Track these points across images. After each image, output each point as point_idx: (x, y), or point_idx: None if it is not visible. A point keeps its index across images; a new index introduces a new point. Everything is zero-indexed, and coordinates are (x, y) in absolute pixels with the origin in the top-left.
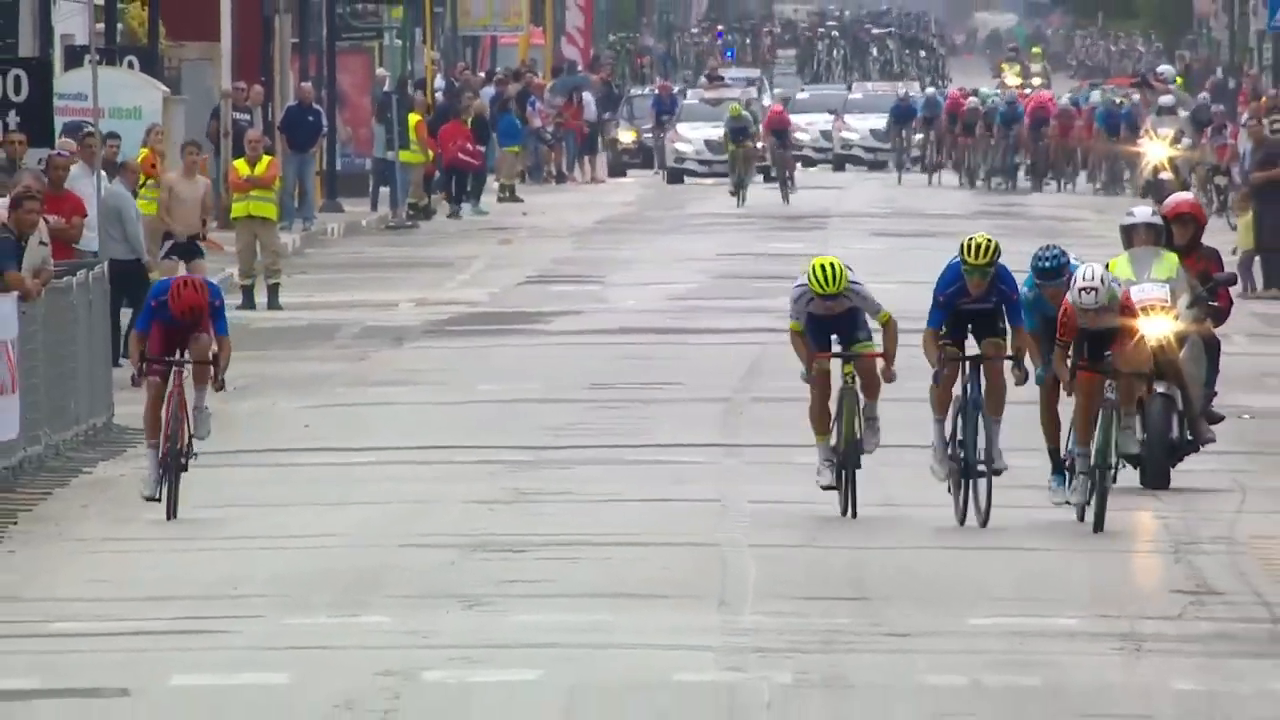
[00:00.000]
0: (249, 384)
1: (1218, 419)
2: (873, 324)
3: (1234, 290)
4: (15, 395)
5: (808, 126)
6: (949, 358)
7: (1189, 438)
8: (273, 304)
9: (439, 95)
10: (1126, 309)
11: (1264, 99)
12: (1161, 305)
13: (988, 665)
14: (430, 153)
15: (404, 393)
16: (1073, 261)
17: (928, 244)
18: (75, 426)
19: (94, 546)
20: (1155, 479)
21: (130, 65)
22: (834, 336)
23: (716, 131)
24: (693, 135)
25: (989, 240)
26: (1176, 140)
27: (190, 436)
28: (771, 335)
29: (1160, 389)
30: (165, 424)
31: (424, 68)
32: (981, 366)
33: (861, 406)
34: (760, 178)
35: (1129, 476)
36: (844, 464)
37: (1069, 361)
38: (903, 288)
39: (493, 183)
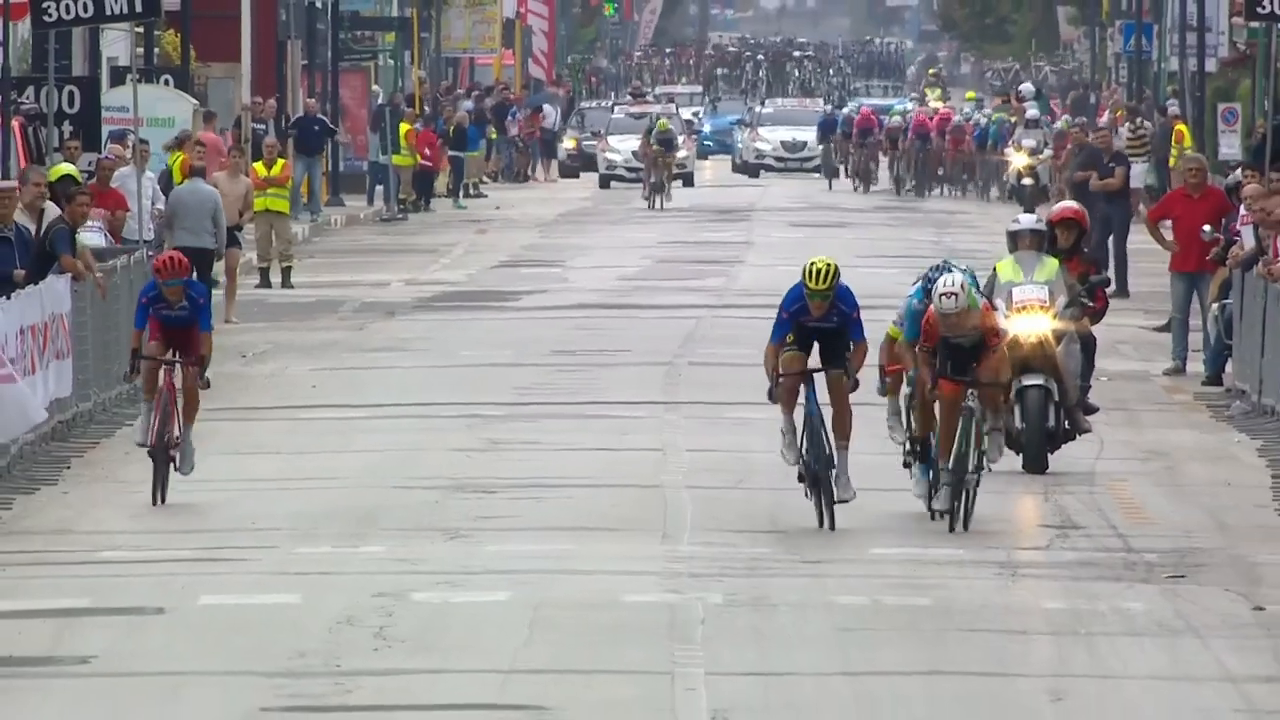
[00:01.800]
0: (266, 350)
1: (1093, 410)
2: None
3: None
4: (69, 360)
5: (769, 136)
6: (786, 371)
7: (1066, 427)
8: (285, 283)
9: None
10: (989, 321)
11: (1119, 111)
12: (1040, 305)
13: (887, 587)
14: (417, 156)
15: (396, 358)
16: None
17: (835, 233)
18: (119, 387)
19: (134, 488)
20: (1034, 464)
21: (165, 82)
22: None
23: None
24: (621, 146)
25: (829, 265)
26: (1037, 150)
27: (178, 439)
28: (705, 310)
29: (1038, 381)
30: (155, 416)
31: (413, 84)
32: (830, 393)
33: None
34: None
35: (1009, 461)
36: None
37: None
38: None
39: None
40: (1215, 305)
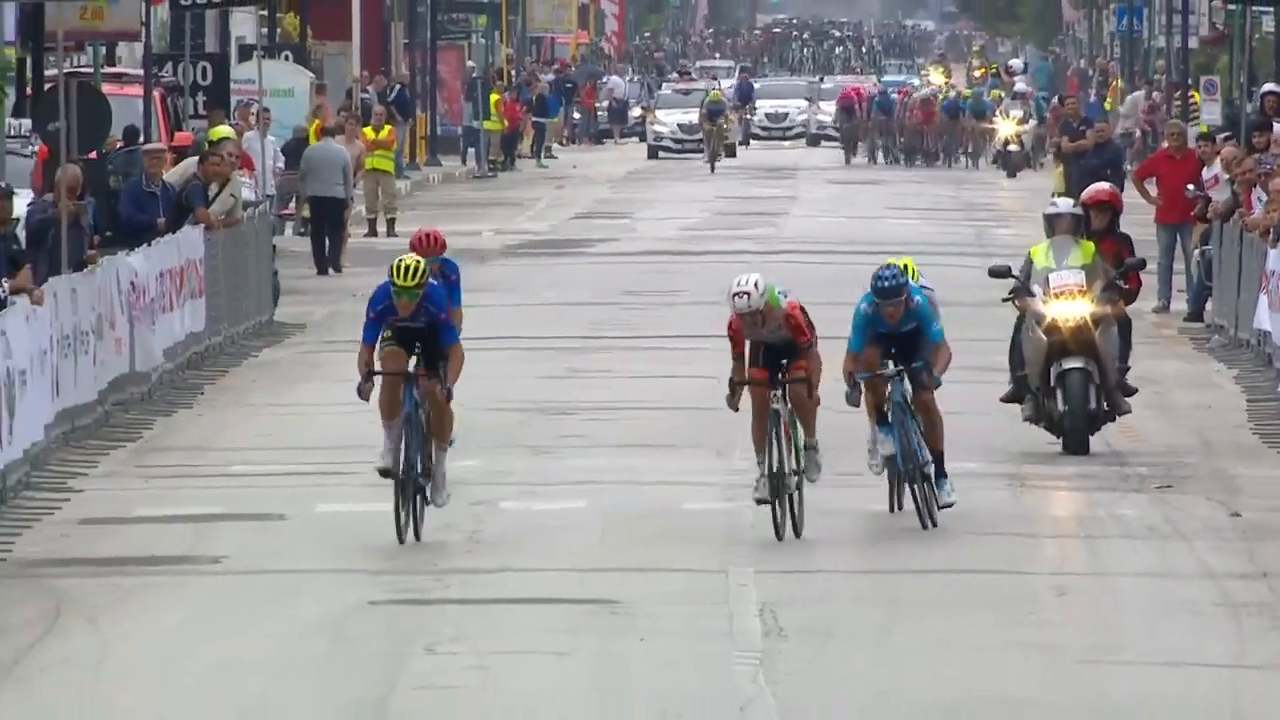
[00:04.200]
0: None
1: (1131, 391)
2: None
3: None
4: (203, 299)
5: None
6: (383, 370)
7: (1106, 408)
8: (390, 233)
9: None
10: (794, 321)
11: (1113, 83)
12: (1078, 289)
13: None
14: (505, 121)
15: (488, 297)
16: (913, 284)
17: (870, 189)
18: (245, 322)
19: (260, 410)
20: (1076, 445)
21: (286, 58)
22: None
23: (688, 116)
24: (667, 119)
25: (418, 263)
26: (1024, 120)
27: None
28: (755, 255)
29: (1079, 364)
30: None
31: (501, 60)
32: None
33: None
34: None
35: (1030, 471)
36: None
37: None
38: (848, 223)
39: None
40: (1197, 251)
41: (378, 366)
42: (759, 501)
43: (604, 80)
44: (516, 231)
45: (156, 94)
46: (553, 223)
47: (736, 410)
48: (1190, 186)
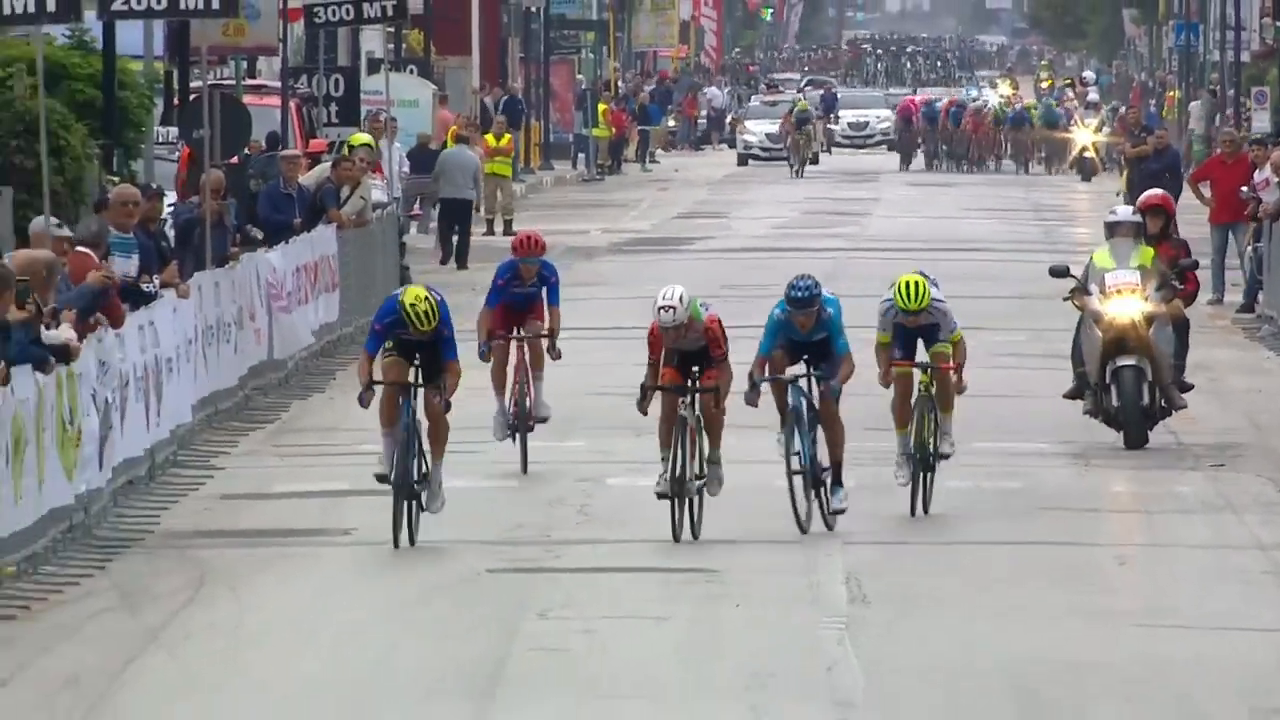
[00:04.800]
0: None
1: (1188, 387)
2: None
3: None
4: (335, 292)
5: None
6: (384, 381)
7: (1162, 404)
8: (508, 231)
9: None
10: (712, 334)
11: (1171, 94)
12: (1132, 288)
13: (986, 475)
14: (612, 129)
15: (594, 291)
16: (825, 294)
17: (945, 191)
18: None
19: None
20: (1134, 440)
21: (410, 71)
22: (920, 341)
23: (774, 126)
24: (756, 129)
25: (429, 306)
26: (1099, 128)
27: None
28: (841, 252)
29: (1132, 362)
30: (514, 387)
31: (609, 72)
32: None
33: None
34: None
35: (1096, 451)
36: (919, 467)
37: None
38: (926, 222)
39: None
40: (1249, 248)
41: (378, 376)
42: (659, 495)
43: (704, 91)
44: (622, 230)
45: (293, 104)
46: (655, 222)
47: (645, 414)
48: (1244, 189)
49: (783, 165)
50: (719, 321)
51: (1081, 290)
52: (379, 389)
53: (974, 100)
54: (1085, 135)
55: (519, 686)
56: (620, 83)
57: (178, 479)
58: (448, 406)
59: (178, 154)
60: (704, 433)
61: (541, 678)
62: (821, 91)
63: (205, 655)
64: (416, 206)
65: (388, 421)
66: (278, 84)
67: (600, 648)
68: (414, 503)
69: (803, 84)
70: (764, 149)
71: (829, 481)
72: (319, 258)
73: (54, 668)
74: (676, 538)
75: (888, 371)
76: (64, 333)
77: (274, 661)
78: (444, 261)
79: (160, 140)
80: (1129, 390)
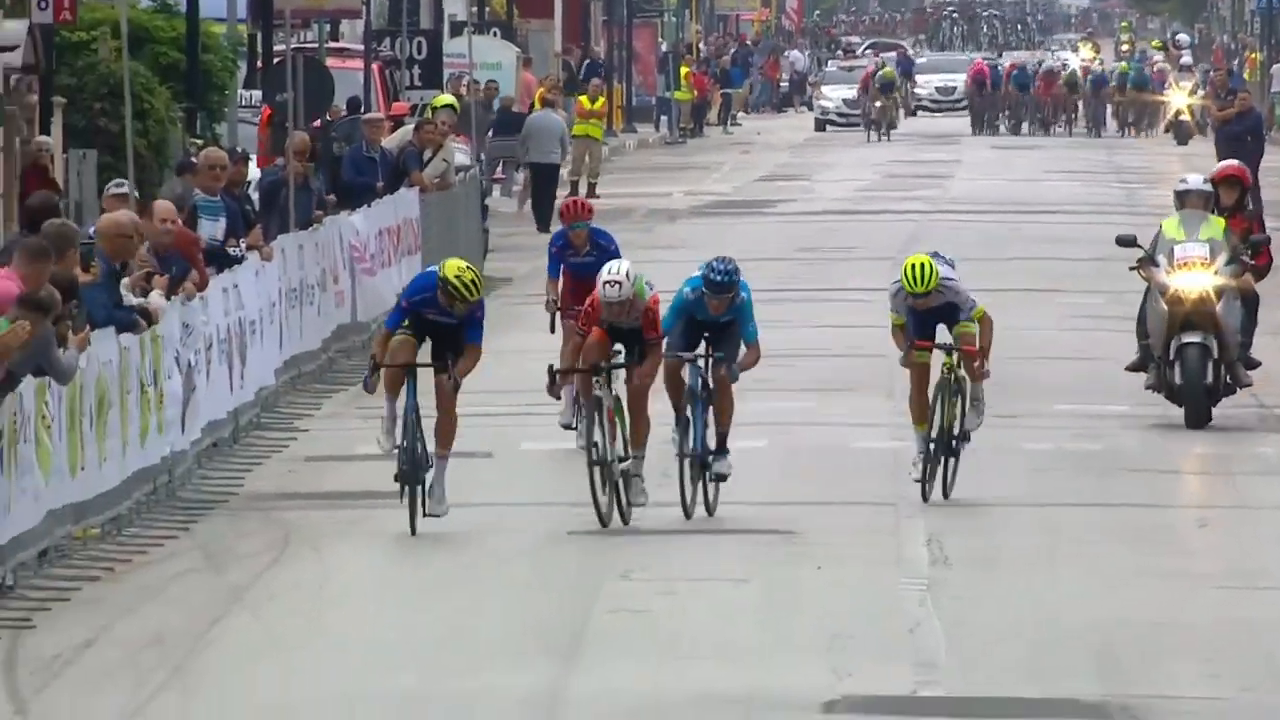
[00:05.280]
0: None
1: (1254, 364)
2: None
3: None
4: (418, 255)
5: (925, 83)
6: (390, 364)
7: (1228, 381)
8: (591, 194)
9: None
10: (651, 315)
11: (1252, 56)
12: (1201, 261)
13: (1067, 437)
14: (694, 92)
15: (676, 253)
16: (741, 280)
17: (1027, 154)
18: None
19: None
20: (1195, 419)
21: (494, 34)
22: (939, 326)
23: (851, 91)
24: (833, 95)
25: (474, 274)
26: (1194, 91)
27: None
28: (923, 215)
29: (1197, 339)
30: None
31: (691, 35)
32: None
33: (968, 389)
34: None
35: (1175, 414)
36: (940, 452)
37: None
38: (1007, 184)
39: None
40: None
41: (387, 358)
42: (564, 426)
43: (786, 54)
44: (704, 192)
45: (375, 67)
46: (737, 184)
47: (558, 398)
48: None
49: (860, 132)
50: (660, 304)
51: (1149, 261)
52: (384, 376)
53: (1042, 64)
54: (1180, 98)
55: (600, 648)
56: (702, 46)
57: (261, 441)
58: (456, 386)
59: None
60: (623, 412)
61: (622, 639)
62: (896, 55)
63: (288, 615)
64: (499, 170)
65: (392, 388)
66: (360, 47)
67: (681, 609)
68: (420, 489)
69: (864, 47)
70: (840, 114)
71: (715, 449)
72: (401, 221)
73: (139, 628)
74: (604, 524)
75: (909, 352)
76: (153, 297)
77: (356, 622)
78: (541, 229)
79: (243, 104)
80: (1193, 368)
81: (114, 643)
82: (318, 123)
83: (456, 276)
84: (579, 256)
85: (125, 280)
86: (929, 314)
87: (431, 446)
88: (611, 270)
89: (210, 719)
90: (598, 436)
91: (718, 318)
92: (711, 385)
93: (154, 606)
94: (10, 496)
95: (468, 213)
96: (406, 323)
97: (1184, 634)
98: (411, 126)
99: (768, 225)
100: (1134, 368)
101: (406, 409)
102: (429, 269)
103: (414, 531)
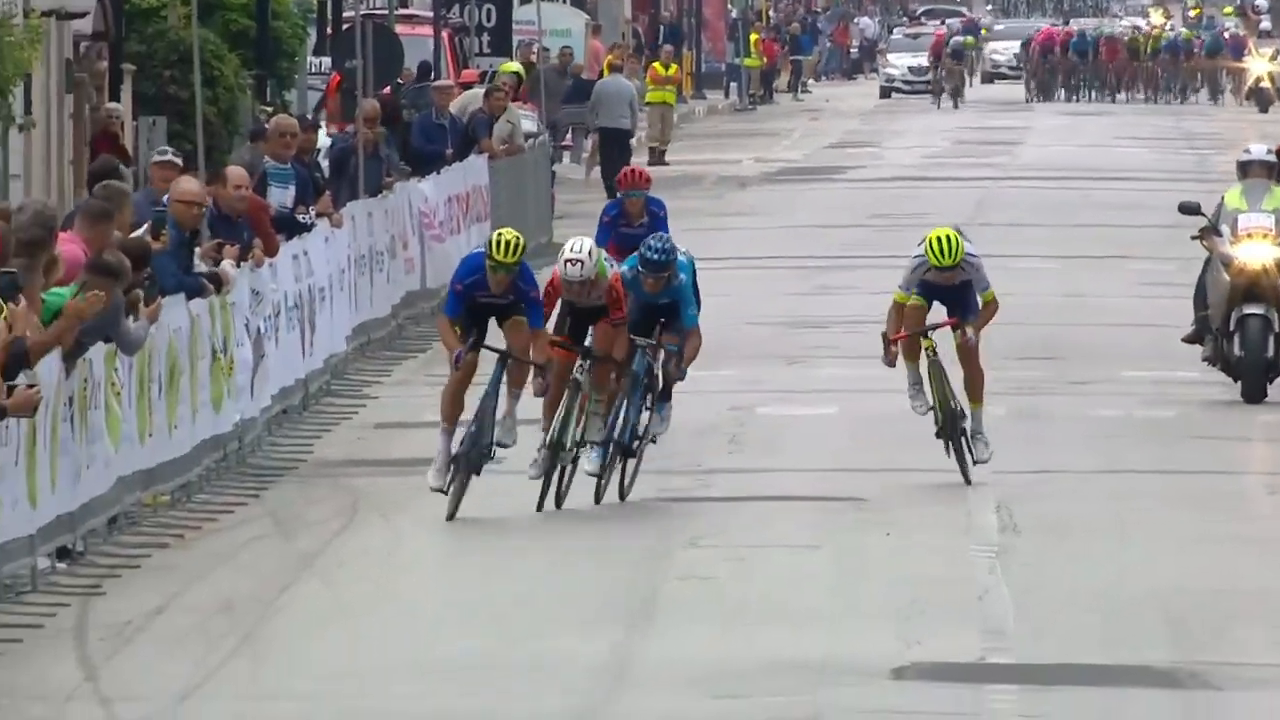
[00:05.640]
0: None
1: None
2: None
3: None
4: (487, 222)
5: (1004, 50)
6: (466, 346)
7: None
8: (656, 162)
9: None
10: (614, 294)
11: None
12: (1265, 232)
13: (1137, 403)
14: (764, 58)
15: (746, 220)
16: (680, 258)
17: (1097, 120)
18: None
19: None
20: (1252, 393)
21: (563, 1)
22: (945, 308)
23: (917, 59)
24: (898, 62)
25: (517, 238)
26: (1274, 57)
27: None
28: (992, 181)
29: (1259, 311)
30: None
31: (760, 2)
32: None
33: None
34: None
35: (1232, 390)
36: (948, 434)
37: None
38: (1077, 150)
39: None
40: None
41: (461, 348)
42: (533, 478)
43: (856, 21)
44: (774, 159)
45: (445, 34)
46: (807, 151)
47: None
48: None
49: (926, 99)
50: (622, 281)
51: (1211, 230)
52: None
53: (1103, 29)
54: (1261, 65)
55: (669, 614)
56: (772, 12)
57: (331, 408)
58: (546, 386)
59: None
60: (594, 397)
61: (691, 605)
62: (961, 22)
63: (357, 582)
64: (568, 136)
65: (449, 417)
66: (430, 14)
67: (749, 576)
68: (472, 475)
69: (920, 12)
70: (906, 82)
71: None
72: (471, 188)
73: (209, 595)
74: (539, 507)
75: (891, 347)
76: (225, 265)
77: (425, 588)
78: (611, 196)
79: (313, 70)
80: (1254, 340)
81: (184, 609)
82: (387, 90)
83: (498, 235)
84: (632, 227)
85: (198, 249)
86: (943, 291)
87: (496, 435)
88: (573, 248)
89: (279, 685)
90: (570, 423)
91: (656, 299)
92: (658, 375)
93: (224, 573)
94: (80, 463)
95: (537, 180)
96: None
97: (1254, 600)
98: (478, 92)
99: (837, 192)
100: (1191, 339)
101: (485, 398)
102: (476, 249)
103: (451, 517)
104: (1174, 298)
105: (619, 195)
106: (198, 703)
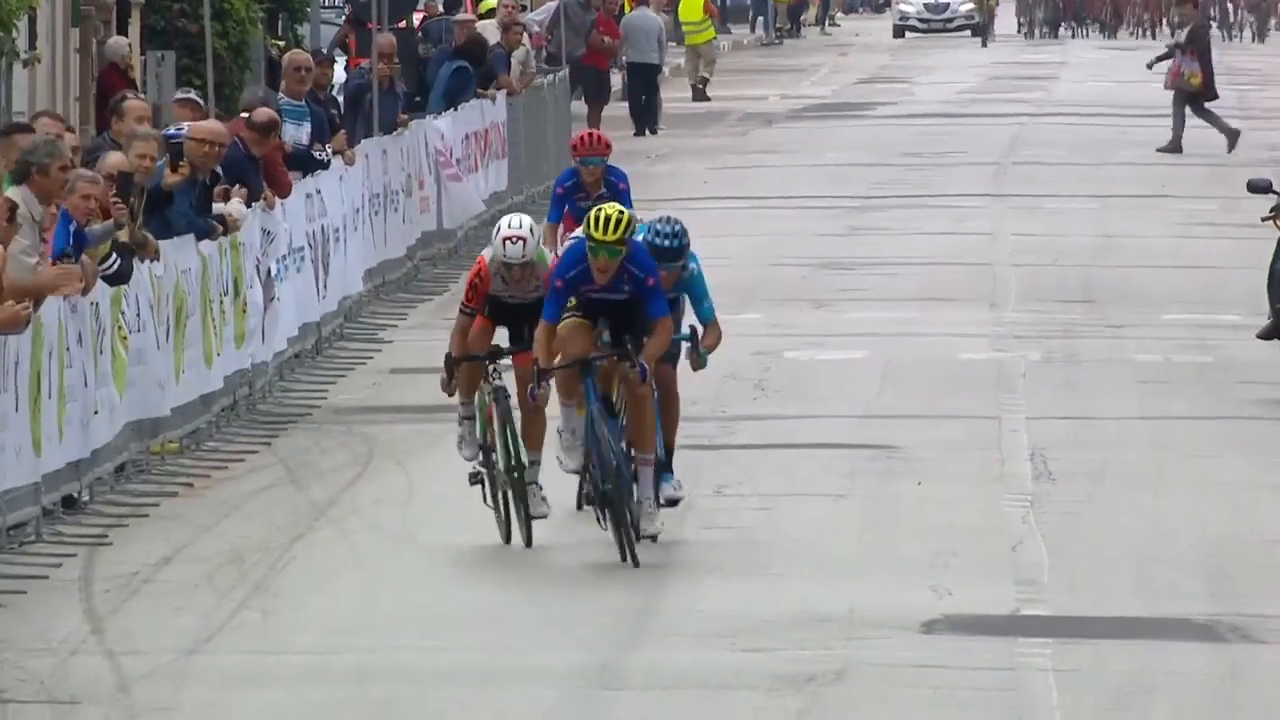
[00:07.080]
0: (666, 153)
1: None
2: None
3: None
4: (505, 160)
5: None
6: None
7: None
8: (701, 98)
9: None
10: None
11: None
12: None
13: (1176, 348)
14: None
15: (773, 158)
16: (692, 251)
17: (1133, 55)
18: (545, 182)
19: None
20: None
21: None
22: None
23: None
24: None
25: (621, 212)
26: None
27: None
28: (1028, 118)
29: None
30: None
31: None
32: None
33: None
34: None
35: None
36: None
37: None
38: (1114, 86)
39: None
40: None
41: (558, 358)
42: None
43: None
44: (801, 96)
45: None
46: (835, 87)
47: (452, 395)
48: None
49: (948, 38)
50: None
51: None
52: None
53: None
54: None
55: (691, 564)
56: None
57: (345, 353)
58: (644, 375)
59: (343, 17)
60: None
61: (715, 555)
62: None
63: (372, 531)
64: None
65: (567, 393)
66: None
67: (775, 525)
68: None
69: None
70: (922, 20)
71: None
72: (489, 125)
73: (218, 545)
74: (507, 541)
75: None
76: (233, 206)
77: (441, 536)
78: (639, 133)
79: (325, 4)
80: None
81: (192, 560)
82: (402, 24)
83: (596, 209)
84: (588, 200)
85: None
86: (599, 304)
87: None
88: (511, 225)
89: (291, 637)
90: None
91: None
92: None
93: (234, 522)
94: (86, 410)
95: (557, 118)
96: (573, 301)
97: None
98: (489, 24)
99: (867, 129)
100: (1266, 335)
101: (589, 403)
102: (575, 239)
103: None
104: (1216, 238)
105: (575, 163)
106: (206, 656)
